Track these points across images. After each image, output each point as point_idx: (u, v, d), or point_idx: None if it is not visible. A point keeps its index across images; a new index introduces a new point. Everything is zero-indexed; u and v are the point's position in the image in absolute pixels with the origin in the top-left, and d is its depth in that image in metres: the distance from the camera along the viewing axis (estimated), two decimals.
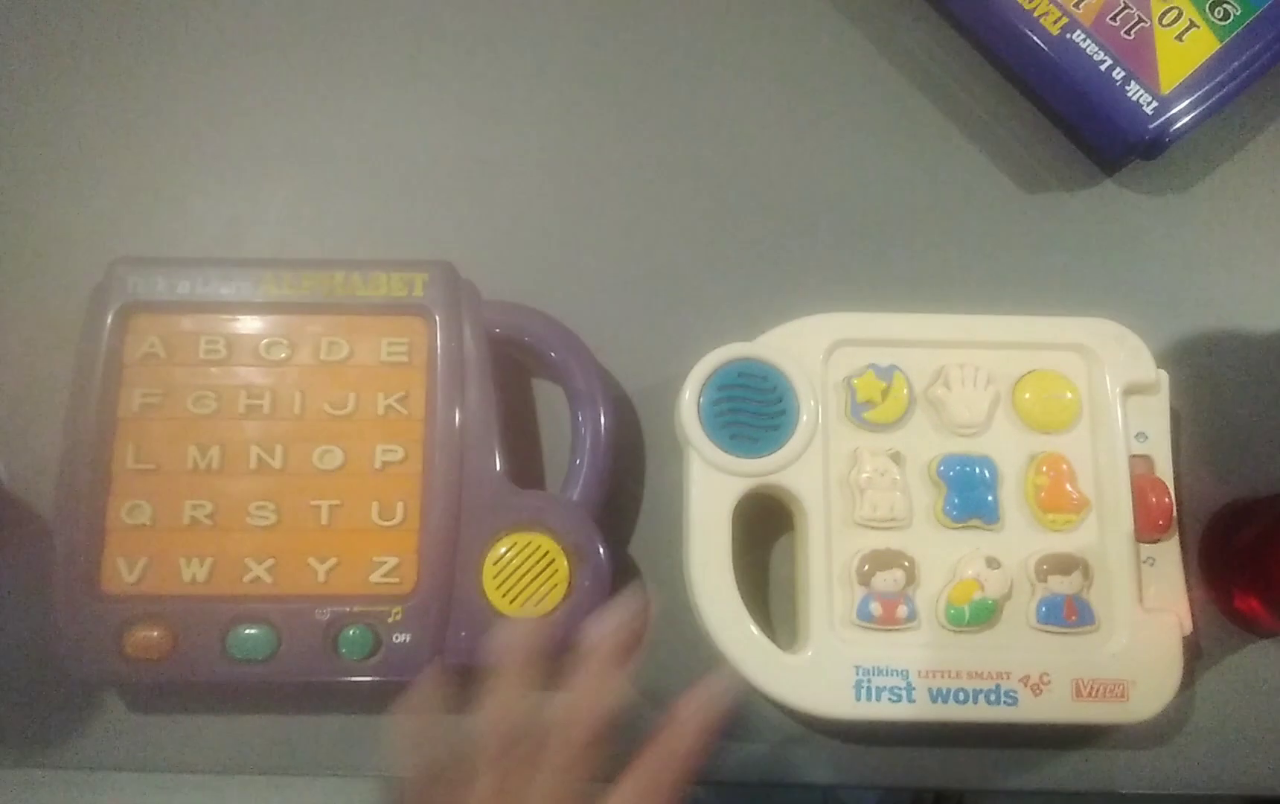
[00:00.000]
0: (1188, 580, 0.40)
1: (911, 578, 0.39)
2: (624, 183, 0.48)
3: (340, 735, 0.41)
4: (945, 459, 0.40)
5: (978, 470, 0.40)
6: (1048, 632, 0.39)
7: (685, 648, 0.41)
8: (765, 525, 0.42)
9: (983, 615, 0.38)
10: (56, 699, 0.41)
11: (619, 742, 0.40)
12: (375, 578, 0.39)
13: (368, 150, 0.48)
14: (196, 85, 0.49)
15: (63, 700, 0.41)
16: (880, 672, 0.38)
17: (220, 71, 0.49)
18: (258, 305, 0.41)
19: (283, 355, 0.40)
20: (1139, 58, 0.44)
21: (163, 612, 0.38)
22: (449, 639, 0.38)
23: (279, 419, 0.40)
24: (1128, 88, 0.44)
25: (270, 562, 0.39)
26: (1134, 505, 0.39)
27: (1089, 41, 0.44)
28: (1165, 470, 0.41)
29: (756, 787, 0.42)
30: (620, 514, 0.43)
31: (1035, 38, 0.45)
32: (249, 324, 0.41)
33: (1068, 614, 0.38)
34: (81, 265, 0.42)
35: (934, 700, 0.38)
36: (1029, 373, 0.41)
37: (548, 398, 0.44)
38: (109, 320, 0.40)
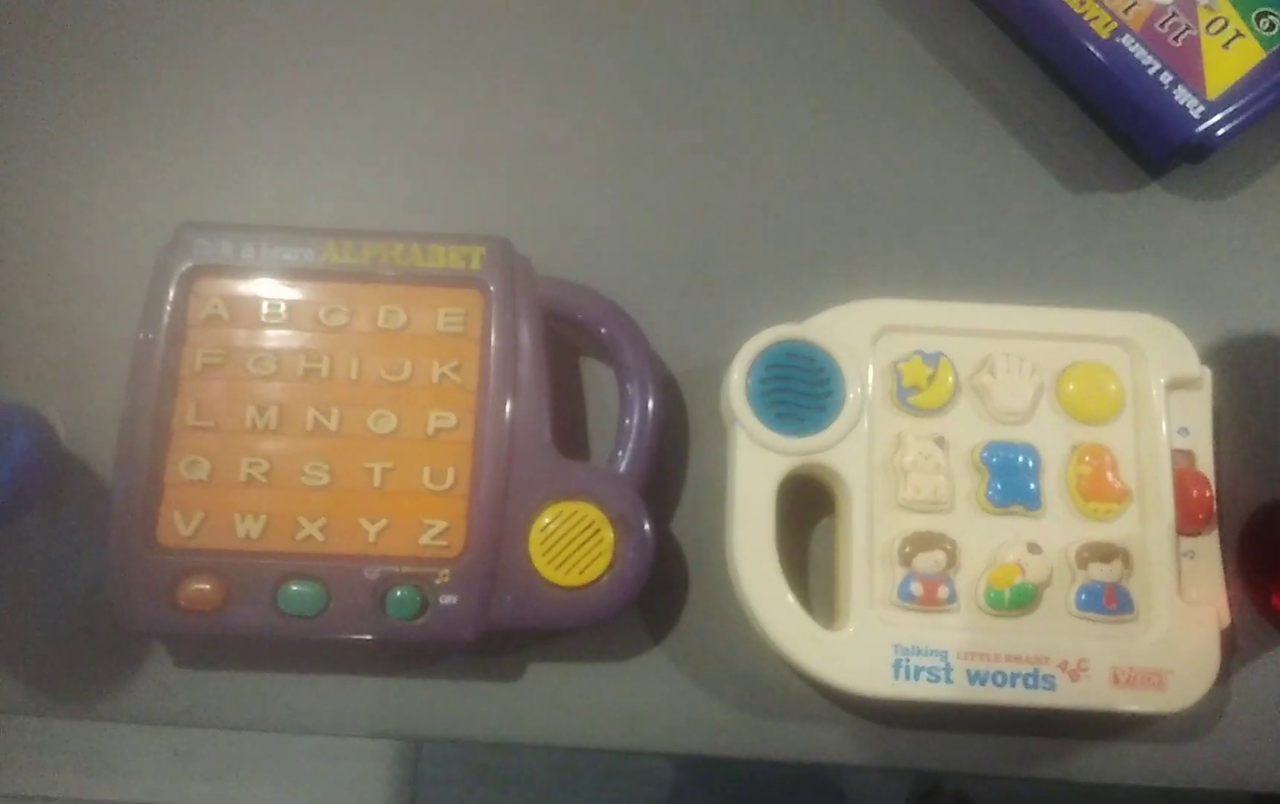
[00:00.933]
0: (1226, 577, 0.41)
1: (953, 560, 0.39)
2: (676, 168, 0.49)
3: (383, 697, 0.42)
4: (989, 446, 0.40)
5: (1020, 458, 0.40)
6: (1087, 618, 0.39)
7: (725, 626, 0.41)
8: (806, 510, 0.43)
9: (1023, 600, 0.39)
10: (107, 653, 0.42)
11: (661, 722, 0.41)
12: (424, 540, 0.39)
13: (428, 129, 0.49)
14: (264, 59, 0.50)
15: (113, 654, 0.42)
16: (919, 652, 0.38)
17: (287, 48, 0.50)
18: (319, 272, 0.42)
19: (342, 321, 0.41)
20: (1186, 64, 0.45)
21: (216, 565, 0.39)
22: (494, 603, 0.39)
23: (336, 383, 0.41)
24: (1175, 92, 0.45)
25: (322, 520, 0.39)
26: (1175, 498, 0.40)
27: (1138, 46, 0.45)
28: (1206, 465, 0.41)
29: (788, 766, 0.42)
30: (664, 493, 0.43)
31: (1085, 41, 0.46)
32: (310, 290, 0.42)
33: (1107, 602, 0.39)
34: (146, 230, 0.43)
35: (972, 682, 0.38)
36: (1073, 364, 0.41)
37: (596, 376, 0.45)
38: (175, 281, 0.41)
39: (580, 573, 0.39)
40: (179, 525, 0.39)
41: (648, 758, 1.09)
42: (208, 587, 0.38)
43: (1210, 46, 0.45)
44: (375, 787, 1.14)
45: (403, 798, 1.14)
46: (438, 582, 0.39)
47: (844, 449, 0.40)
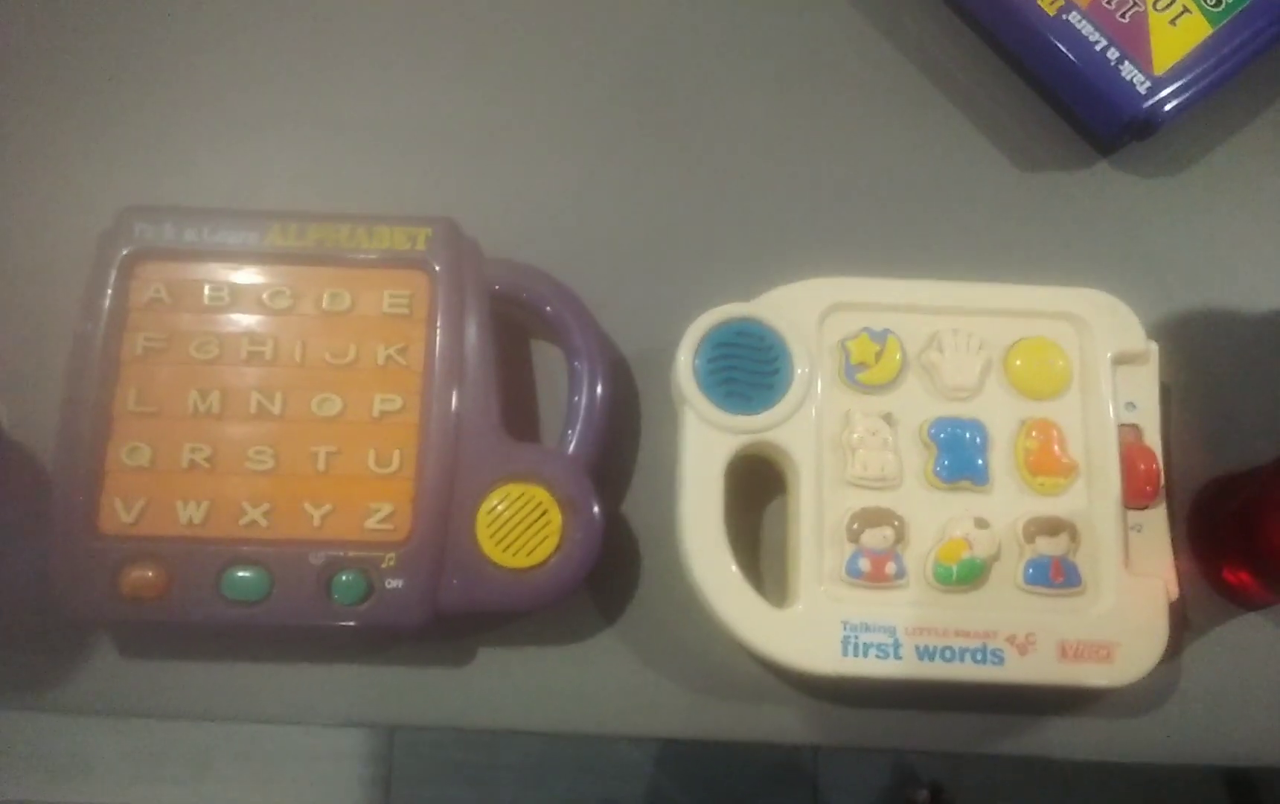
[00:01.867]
0: (1176, 553, 0.41)
1: (901, 536, 0.39)
2: (626, 148, 0.48)
3: (331, 684, 0.41)
4: (936, 422, 0.40)
5: (968, 434, 0.40)
6: (1034, 592, 0.39)
7: (677, 608, 0.41)
8: (756, 491, 0.42)
9: (970, 575, 0.39)
10: (49, 643, 0.41)
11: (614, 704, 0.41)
12: (370, 524, 0.39)
13: (374, 110, 0.49)
14: (208, 40, 0.49)
15: (56, 644, 0.41)
16: (868, 628, 0.38)
17: (231, 28, 0.50)
18: (263, 255, 0.41)
19: (286, 304, 0.41)
20: (1133, 40, 0.45)
21: (159, 552, 0.38)
22: (442, 586, 0.38)
23: (280, 366, 0.40)
24: (1121, 67, 0.45)
25: (266, 506, 0.39)
26: (1122, 472, 0.40)
27: (1085, 22, 0.45)
28: (1154, 439, 0.41)
29: (738, 746, 0.42)
30: (614, 475, 0.43)
31: (1033, 18, 0.46)
32: (253, 273, 0.41)
33: (1054, 575, 0.39)
34: (88, 215, 0.42)
35: (921, 658, 0.38)
36: (1020, 340, 0.41)
37: (545, 358, 0.45)
38: (116, 265, 0.40)
39: (528, 555, 0.39)
40: (120, 512, 0.39)
41: (622, 752, 1.09)
42: (150, 574, 0.38)
43: (1158, 22, 0.45)
44: (348, 786, 1.13)
45: (376, 797, 1.13)
46: (384, 566, 0.38)
47: (792, 427, 0.40)
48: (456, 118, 0.49)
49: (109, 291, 0.40)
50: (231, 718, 0.42)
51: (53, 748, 1.13)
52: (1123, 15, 0.45)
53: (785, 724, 0.41)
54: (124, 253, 0.41)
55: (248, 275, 0.41)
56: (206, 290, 0.41)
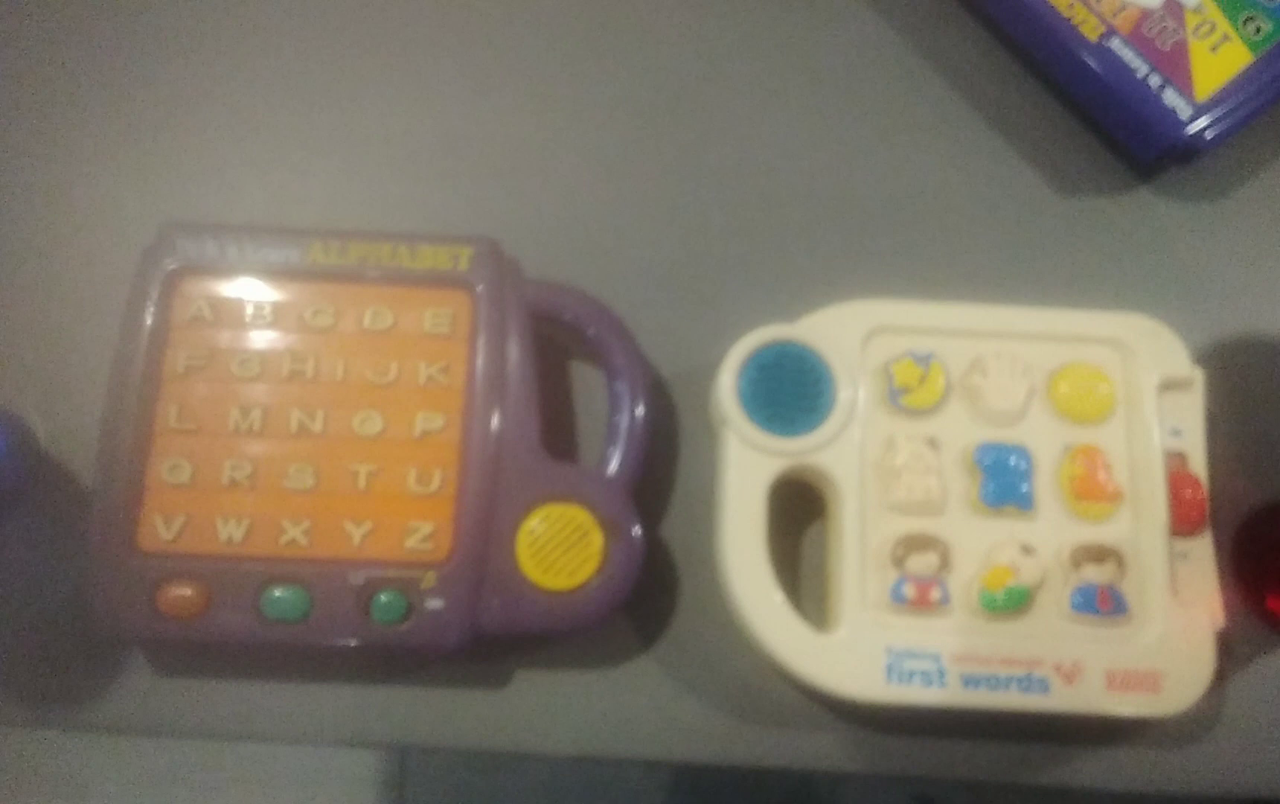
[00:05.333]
0: (1220, 581, 0.40)
1: (945, 562, 0.39)
2: (666, 169, 0.48)
3: (368, 705, 0.41)
4: (981, 446, 0.40)
5: (1013, 459, 0.40)
6: (1081, 620, 0.39)
7: (716, 631, 0.41)
8: (797, 513, 0.42)
9: (1016, 602, 0.38)
10: (86, 661, 0.41)
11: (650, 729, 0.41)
12: (410, 544, 0.39)
13: (416, 129, 0.49)
14: (249, 58, 0.50)
15: (92, 662, 0.41)
16: (912, 655, 0.38)
17: (272, 44, 0.50)
18: (305, 273, 0.41)
19: (328, 322, 0.41)
20: (1175, 67, 0.45)
21: (198, 570, 0.38)
22: (481, 607, 0.38)
23: (321, 384, 0.40)
24: (1163, 94, 0.45)
25: (306, 524, 0.39)
26: (1168, 499, 0.39)
27: (1127, 50, 0.45)
28: (1199, 467, 0.41)
29: (780, 774, 0.41)
30: (653, 497, 0.43)
31: (1074, 45, 0.46)
32: (295, 291, 0.41)
33: (1101, 603, 0.38)
34: (130, 231, 0.42)
35: (966, 686, 0.38)
36: (1065, 365, 0.41)
37: (585, 379, 0.45)
38: (158, 282, 0.40)
39: (569, 576, 0.39)
40: (160, 529, 0.39)
41: (637, 772, 1.08)
42: (189, 592, 0.38)
43: (1198, 50, 0.45)
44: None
45: None
46: (423, 586, 0.38)
47: (835, 450, 0.40)
48: (498, 138, 0.49)
49: (151, 308, 0.40)
50: (265, 738, 0.41)
51: (57, 770, 1.13)
52: (1163, 43, 0.45)
53: (822, 751, 0.41)
54: (167, 269, 0.41)
55: (289, 293, 0.41)
56: (248, 308, 0.41)
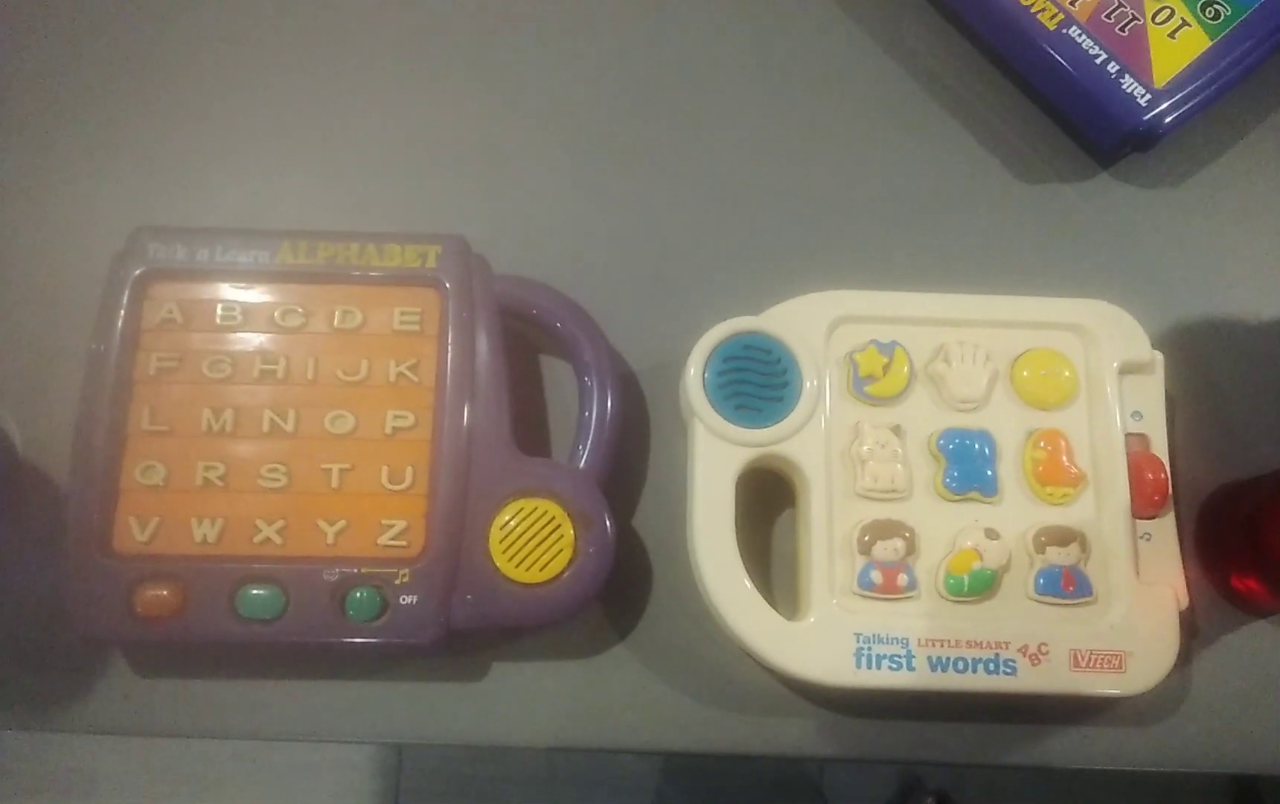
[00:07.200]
0: (1184, 561, 0.41)
1: (912, 548, 0.40)
2: (632, 164, 0.49)
3: (345, 702, 0.41)
4: (945, 433, 0.41)
5: (977, 445, 0.40)
6: (1046, 602, 0.39)
7: (689, 621, 0.41)
8: (767, 503, 0.43)
9: (981, 585, 0.39)
10: (65, 662, 0.41)
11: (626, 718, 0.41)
12: (383, 541, 0.39)
13: (383, 129, 0.49)
14: (218, 60, 0.50)
15: (71, 664, 0.41)
16: (880, 640, 0.38)
17: (241, 47, 0.50)
18: (274, 274, 0.42)
19: (297, 323, 0.41)
20: (1133, 53, 0.46)
21: (173, 571, 0.38)
22: (455, 602, 0.39)
23: (292, 384, 0.41)
24: (1122, 81, 0.45)
25: (280, 523, 0.39)
26: (1130, 481, 0.40)
27: (1085, 37, 0.46)
28: (1161, 448, 0.41)
29: (755, 761, 0.42)
30: (626, 490, 0.43)
31: (1033, 33, 0.46)
32: (265, 292, 0.41)
33: (1065, 585, 0.39)
34: (102, 236, 0.42)
35: (933, 669, 0.38)
36: (1027, 351, 0.42)
37: (555, 374, 0.45)
38: (129, 286, 0.41)
39: (541, 570, 0.39)
40: (135, 531, 0.39)
41: (630, 758, 1.09)
42: (165, 592, 0.38)
43: (1157, 35, 0.46)
44: (357, 801, 1.13)
45: None
46: (397, 582, 0.39)
47: (802, 439, 0.40)
48: (465, 136, 0.49)
49: (122, 312, 0.40)
50: (245, 736, 0.41)
51: (60, 766, 1.13)
52: (1122, 28, 0.46)
53: (797, 737, 0.41)
54: (136, 273, 0.41)
55: (259, 294, 0.41)
56: (219, 309, 0.41)
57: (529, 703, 0.41)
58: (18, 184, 0.48)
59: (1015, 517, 0.40)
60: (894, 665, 0.38)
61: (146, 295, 0.41)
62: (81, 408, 0.40)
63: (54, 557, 0.39)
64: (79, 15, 0.50)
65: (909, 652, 0.38)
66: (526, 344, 0.45)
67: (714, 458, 0.40)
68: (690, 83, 0.50)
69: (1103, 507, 0.40)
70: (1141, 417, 0.42)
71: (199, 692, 0.41)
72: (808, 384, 0.40)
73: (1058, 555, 0.39)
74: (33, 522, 0.42)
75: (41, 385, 0.44)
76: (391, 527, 0.39)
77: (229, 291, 0.41)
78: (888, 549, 0.39)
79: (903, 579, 0.39)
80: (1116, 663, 0.38)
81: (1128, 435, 0.41)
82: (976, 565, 0.39)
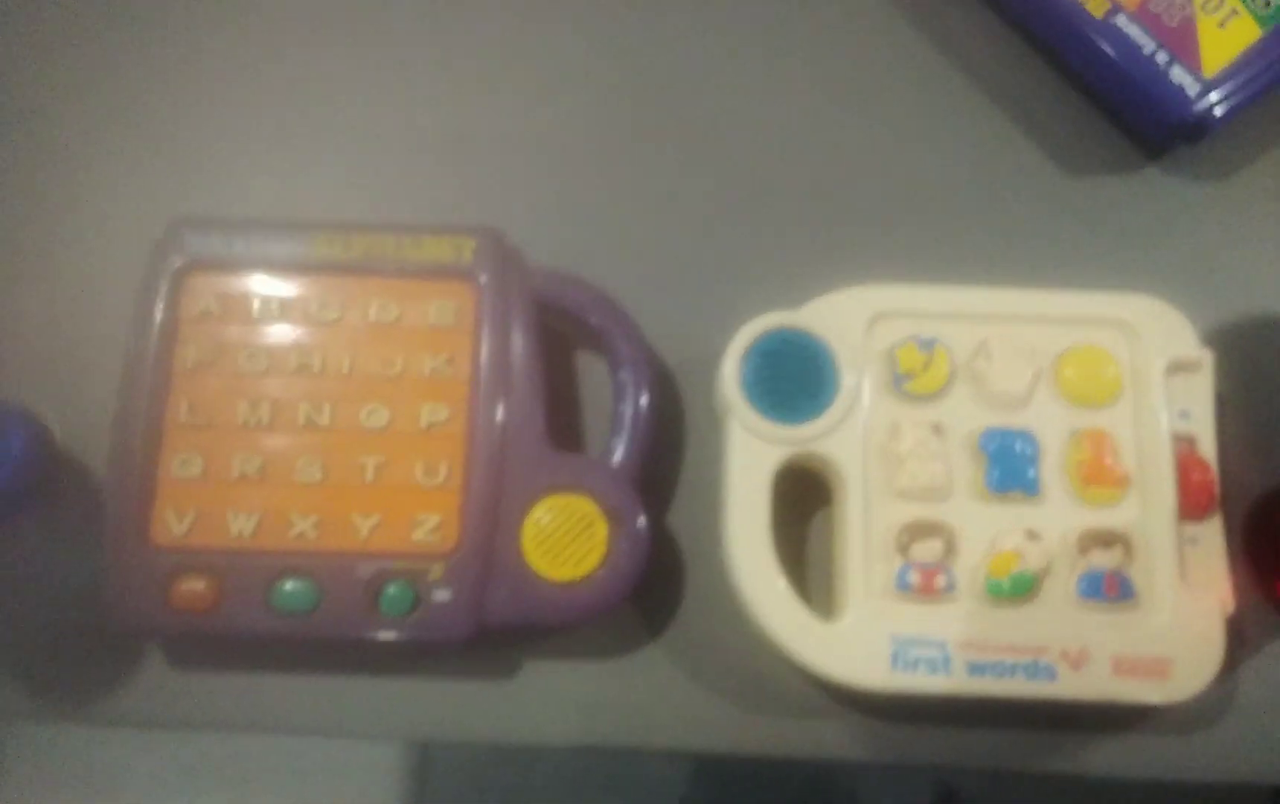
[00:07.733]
0: (1230, 566, 0.40)
1: (951, 548, 0.39)
2: (669, 156, 0.48)
3: (375, 698, 0.41)
4: (986, 431, 0.40)
5: (1018, 444, 0.40)
6: (1088, 606, 0.38)
7: (722, 621, 0.41)
8: (802, 501, 0.42)
9: (1022, 588, 0.38)
10: (101, 655, 0.42)
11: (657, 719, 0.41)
12: (417, 535, 0.39)
13: (419, 121, 0.49)
14: (254, 53, 0.50)
15: (108, 656, 0.42)
16: (917, 642, 0.38)
17: (279, 42, 0.50)
18: (311, 266, 0.41)
19: (334, 316, 0.41)
20: (1182, 43, 0.44)
21: (209, 564, 0.38)
22: (488, 598, 0.38)
23: (328, 378, 0.41)
24: (1171, 72, 0.44)
25: (315, 517, 0.39)
26: (1176, 483, 0.39)
27: (1133, 26, 0.45)
28: (1208, 450, 0.40)
29: (789, 764, 0.42)
30: (660, 487, 0.43)
31: (1079, 22, 0.45)
32: (302, 285, 0.41)
33: (1108, 589, 0.38)
34: (139, 227, 0.43)
35: (971, 673, 0.37)
36: (1071, 348, 0.41)
37: (590, 369, 0.45)
38: (167, 278, 0.41)
39: (574, 567, 0.39)
40: (172, 524, 0.39)
41: (659, 762, 1.08)
42: (201, 586, 0.38)
43: (1206, 25, 0.45)
44: (384, 800, 1.14)
45: None
46: (431, 577, 0.39)
47: (839, 437, 0.40)
48: (501, 128, 0.49)
49: (160, 304, 0.41)
50: (278, 730, 0.42)
51: (88, 760, 1.14)
52: (1171, 19, 0.45)
53: (831, 740, 0.41)
54: (175, 265, 0.41)
55: (296, 287, 0.42)
56: (256, 302, 0.41)
57: (559, 701, 0.41)
58: (53, 176, 0.48)
59: (1057, 518, 0.39)
60: (931, 669, 0.37)
61: (185, 287, 0.41)
62: (120, 400, 0.40)
63: (91, 549, 0.39)
64: (115, 11, 0.51)
65: (946, 655, 0.38)
66: (561, 338, 0.44)
67: (749, 455, 0.39)
68: (729, 73, 0.50)
69: (1148, 509, 0.39)
70: (1189, 416, 0.41)
71: (234, 685, 0.42)
72: (846, 381, 0.40)
73: (1101, 558, 0.39)
74: (71, 514, 0.43)
75: (80, 378, 0.44)
76: (425, 522, 0.39)
77: (266, 284, 0.41)
78: (926, 550, 0.39)
79: (941, 580, 0.38)
80: (1160, 670, 0.37)
81: (1174, 436, 0.40)
82: (1017, 568, 0.38)
